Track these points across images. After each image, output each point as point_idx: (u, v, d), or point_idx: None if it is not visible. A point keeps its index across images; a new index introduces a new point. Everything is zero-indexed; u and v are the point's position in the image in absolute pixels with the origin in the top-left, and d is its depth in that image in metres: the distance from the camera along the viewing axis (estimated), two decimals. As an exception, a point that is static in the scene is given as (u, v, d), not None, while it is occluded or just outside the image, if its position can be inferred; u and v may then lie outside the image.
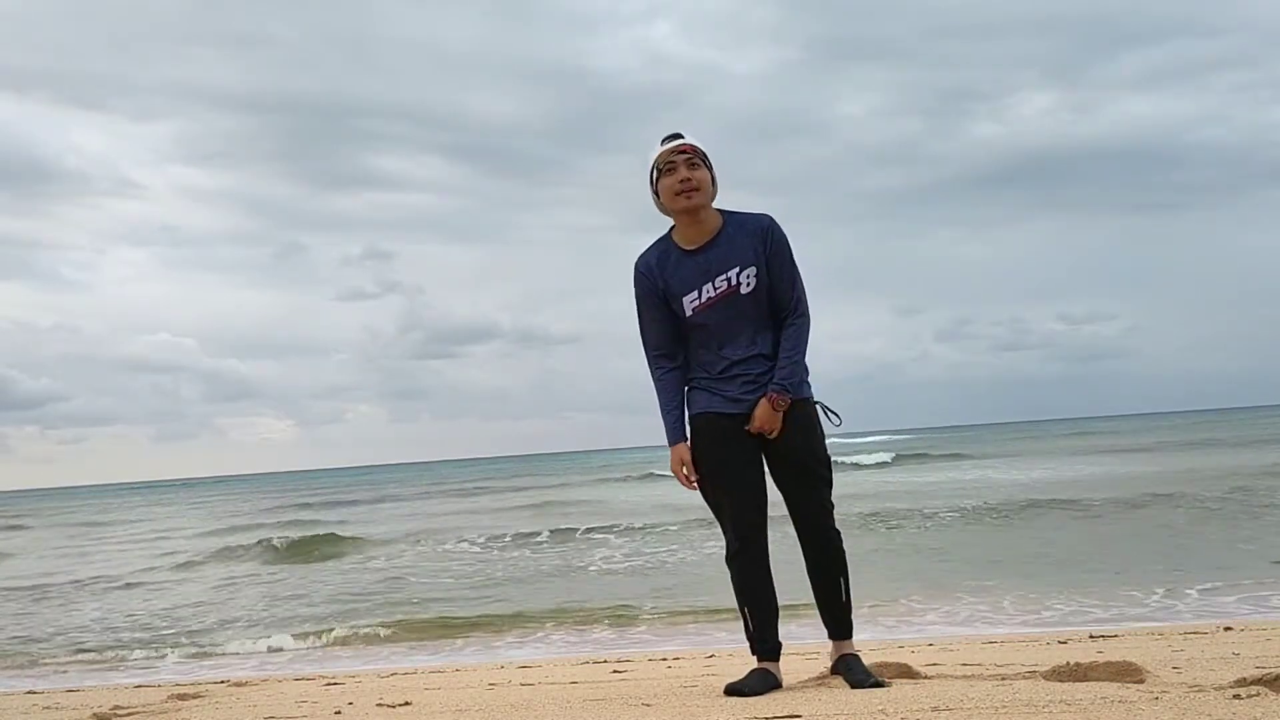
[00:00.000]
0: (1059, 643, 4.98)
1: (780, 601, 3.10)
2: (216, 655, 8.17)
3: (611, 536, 15.63)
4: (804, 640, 5.56)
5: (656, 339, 3.12)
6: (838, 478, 3.20)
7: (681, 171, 2.98)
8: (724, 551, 3.11)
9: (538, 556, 13.89)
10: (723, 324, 3.04)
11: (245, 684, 5.24)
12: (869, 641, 5.33)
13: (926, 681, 3.03)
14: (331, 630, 8.65)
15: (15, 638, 9.65)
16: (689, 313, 3.05)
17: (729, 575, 3.09)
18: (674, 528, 15.65)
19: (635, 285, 3.12)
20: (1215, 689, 2.64)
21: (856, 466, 32.45)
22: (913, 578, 9.48)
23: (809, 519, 3.05)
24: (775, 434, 3.02)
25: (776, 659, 3.07)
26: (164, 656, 8.24)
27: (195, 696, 4.32)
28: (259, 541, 18.09)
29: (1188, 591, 7.82)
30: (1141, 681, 2.85)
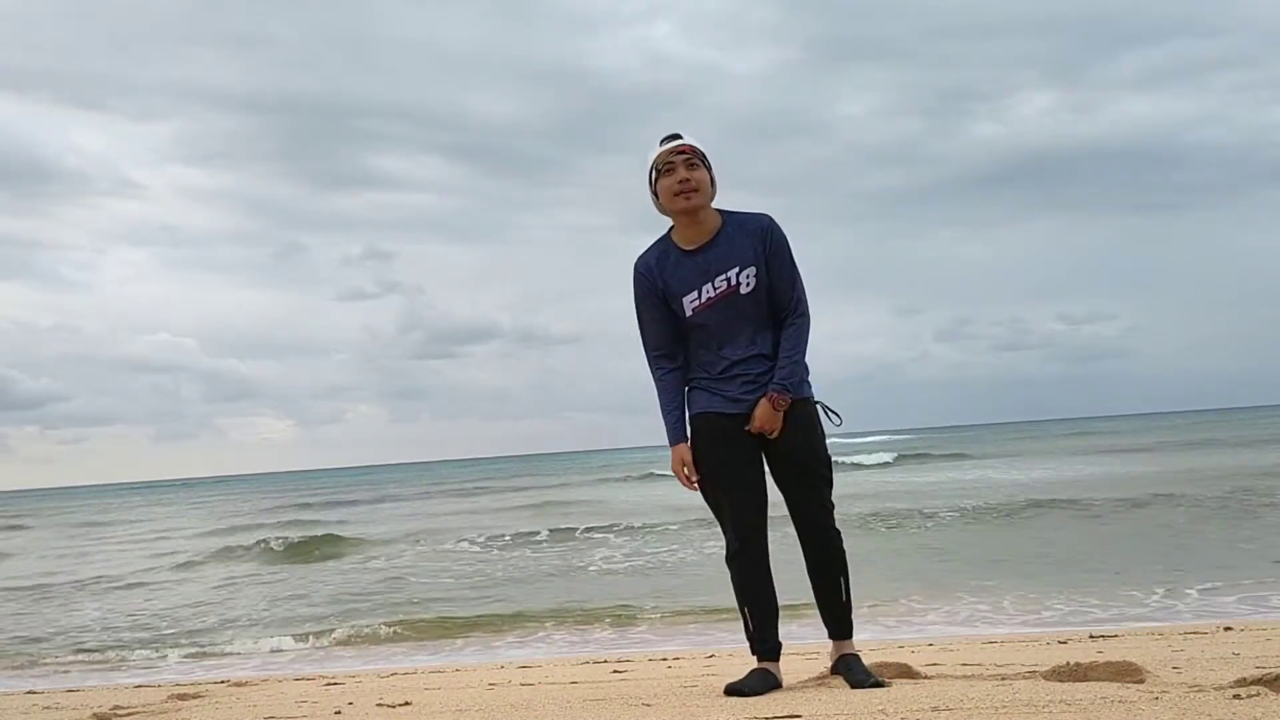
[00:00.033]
0: (1059, 643, 4.98)
1: (780, 601, 3.10)
2: (217, 655, 8.16)
3: (611, 536, 15.63)
4: (804, 640, 5.56)
5: (656, 339, 3.12)
6: (838, 478, 3.20)
7: (680, 172, 2.97)
8: (724, 551, 3.11)
9: (538, 556, 13.89)
10: (722, 324, 3.04)
11: (245, 684, 5.24)
12: (869, 641, 5.33)
13: (926, 681, 3.03)
14: (332, 630, 8.65)
15: (16, 638, 9.65)
16: (689, 313, 3.05)
17: (729, 575, 3.09)
18: (674, 528, 15.65)
19: (635, 286, 3.12)
20: (1215, 689, 2.64)
21: (857, 466, 32.45)
22: (913, 578, 9.48)
23: (809, 519, 3.05)
24: (776, 434, 3.02)
25: (776, 659, 3.06)
26: (164, 657, 8.23)
27: (195, 696, 4.32)
28: (259, 542, 18.08)
29: (1188, 591, 7.82)
30: (1141, 681, 2.85)
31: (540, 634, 8.06)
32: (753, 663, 3.09)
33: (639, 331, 3.16)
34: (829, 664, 3.14)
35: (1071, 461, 29.30)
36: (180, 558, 17.10)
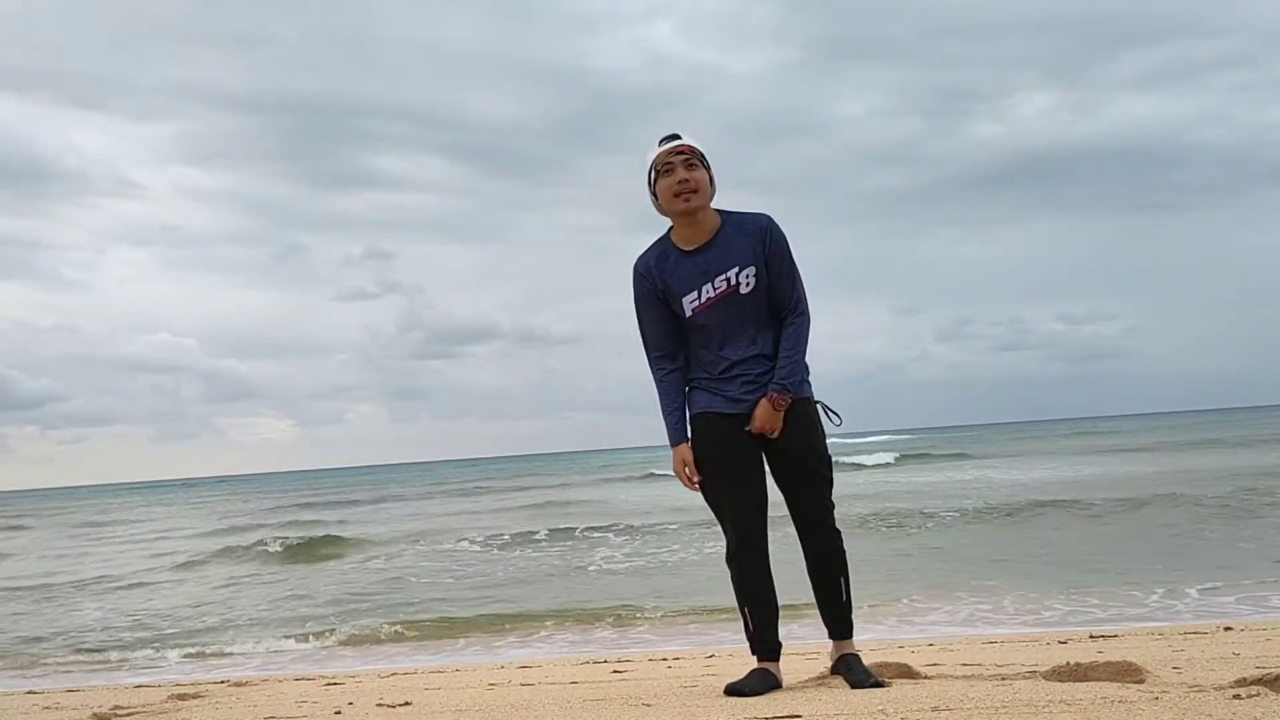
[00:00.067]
0: (1059, 643, 4.98)
1: (780, 601, 3.09)
2: (217, 655, 8.16)
3: (611, 536, 15.63)
4: (804, 640, 5.57)
5: (656, 340, 3.12)
6: (838, 478, 3.20)
7: (679, 173, 2.97)
8: (724, 551, 3.11)
9: (538, 556, 13.89)
10: (723, 324, 3.04)
11: (245, 684, 5.24)
12: (869, 641, 5.32)
13: (926, 681, 3.03)
14: (332, 630, 8.65)
15: (16, 638, 9.65)
16: (689, 313, 3.05)
17: (729, 575, 3.09)
18: (674, 528, 15.65)
19: (634, 286, 3.12)
20: (1215, 689, 2.64)
21: (858, 467, 32.44)
22: (913, 578, 9.48)
23: (810, 518, 3.05)
24: (776, 434, 3.02)
25: (776, 659, 3.06)
26: (165, 657, 8.24)
27: (195, 696, 4.32)
28: (259, 542, 18.09)
29: (1188, 591, 7.82)
30: (1141, 681, 2.85)
31: (540, 634, 8.06)
32: (753, 663, 3.09)
33: (639, 332, 3.16)
34: (829, 664, 3.14)
35: (1072, 461, 29.29)
36: (180, 558, 17.09)
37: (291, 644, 8.30)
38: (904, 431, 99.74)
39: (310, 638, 8.46)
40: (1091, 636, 5.42)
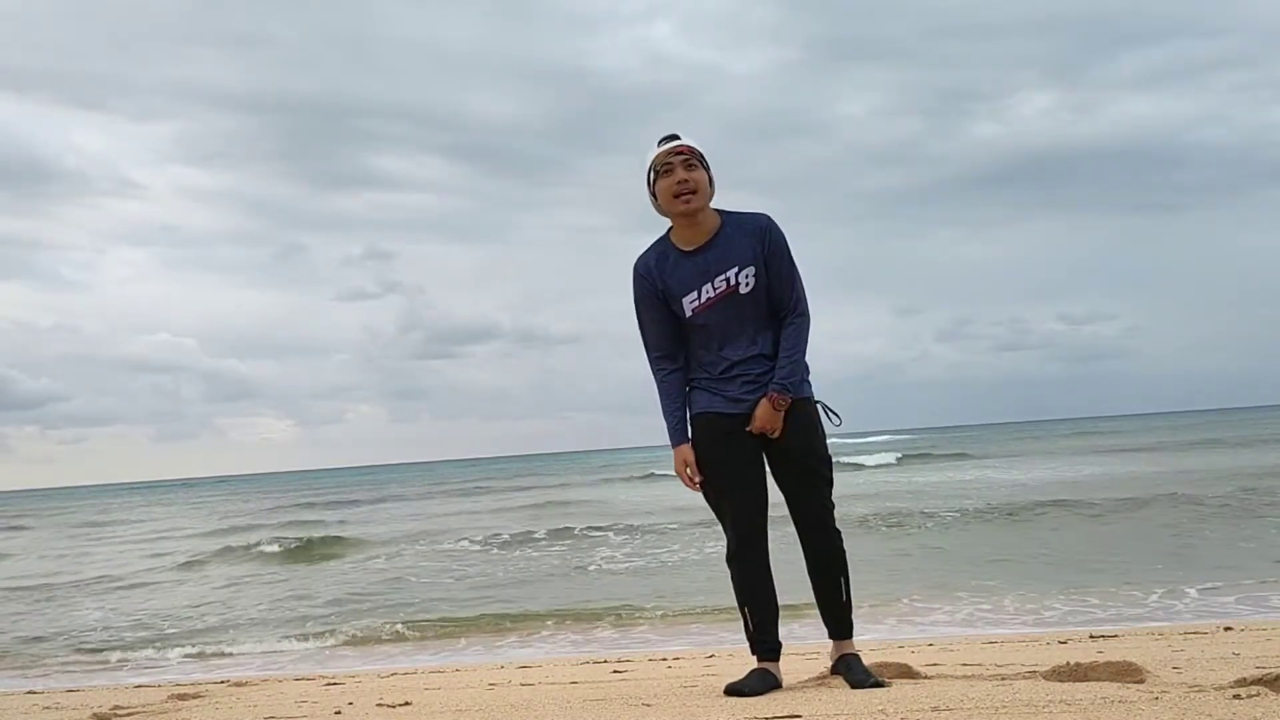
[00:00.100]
0: (1059, 643, 4.99)
1: (780, 601, 3.09)
2: (217, 655, 8.17)
3: (612, 536, 15.63)
4: (804, 640, 5.57)
5: (657, 340, 3.12)
6: (839, 478, 3.20)
7: (679, 173, 2.97)
8: (724, 551, 3.11)
9: (538, 556, 13.89)
10: (723, 324, 3.04)
11: (245, 684, 5.24)
12: (869, 641, 5.33)
13: (926, 681, 3.03)
14: (332, 630, 8.65)
15: (17, 638, 9.65)
16: (689, 313, 3.05)
17: (729, 575, 3.09)
18: (674, 528, 15.65)
19: (634, 287, 3.12)
20: (1215, 689, 2.64)
21: (858, 467, 32.44)
22: (913, 578, 9.48)
23: (810, 518, 3.05)
24: (776, 434, 3.02)
25: (776, 659, 3.06)
26: (165, 657, 8.24)
27: (195, 696, 4.32)
28: (259, 542, 18.09)
29: (1188, 591, 7.83)
30: (1141, 681, 2.85)
31: (541, 634, 8.07)
32: (753, 663, 3.09)
33: (639, 332, 3.16)
34: (829, 664, 3.14)
35: (1072, 461, 29.30)
36: (181, 558, 17.10)
37: (292, 644, 8.30)
38: (904, 431, 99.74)
39: (310, 638, 8.47)
40: (1091, 636, 5.42)
